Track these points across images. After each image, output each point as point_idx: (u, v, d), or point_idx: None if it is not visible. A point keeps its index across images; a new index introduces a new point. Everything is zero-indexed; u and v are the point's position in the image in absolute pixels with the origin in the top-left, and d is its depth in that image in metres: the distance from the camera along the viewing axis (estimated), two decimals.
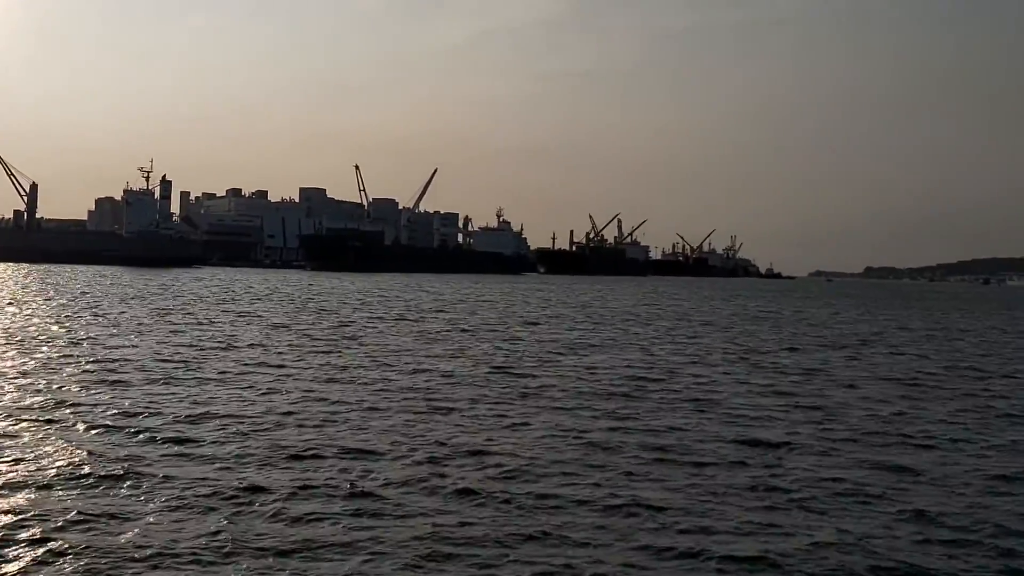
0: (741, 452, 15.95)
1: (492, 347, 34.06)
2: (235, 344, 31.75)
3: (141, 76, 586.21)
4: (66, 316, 42.13)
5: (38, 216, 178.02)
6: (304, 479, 13.21)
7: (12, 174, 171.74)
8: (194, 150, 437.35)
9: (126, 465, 13.48)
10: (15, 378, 21.80)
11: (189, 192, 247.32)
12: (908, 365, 32.84)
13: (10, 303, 50.62)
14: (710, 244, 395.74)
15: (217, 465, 13.86)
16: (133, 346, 29.79)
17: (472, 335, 39.54)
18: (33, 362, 24.86)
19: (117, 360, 25.83)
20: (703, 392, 23.43)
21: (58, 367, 24.04)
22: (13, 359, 25.44)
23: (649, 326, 50.59)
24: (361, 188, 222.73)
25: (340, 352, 30.40)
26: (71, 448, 14.53)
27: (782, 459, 15.51)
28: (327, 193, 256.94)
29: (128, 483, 12.65)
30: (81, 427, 16.26)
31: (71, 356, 26.54)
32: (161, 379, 22.43)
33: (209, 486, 12.60)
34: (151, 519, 11.14)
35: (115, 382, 21.70)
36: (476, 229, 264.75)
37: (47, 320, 39.58)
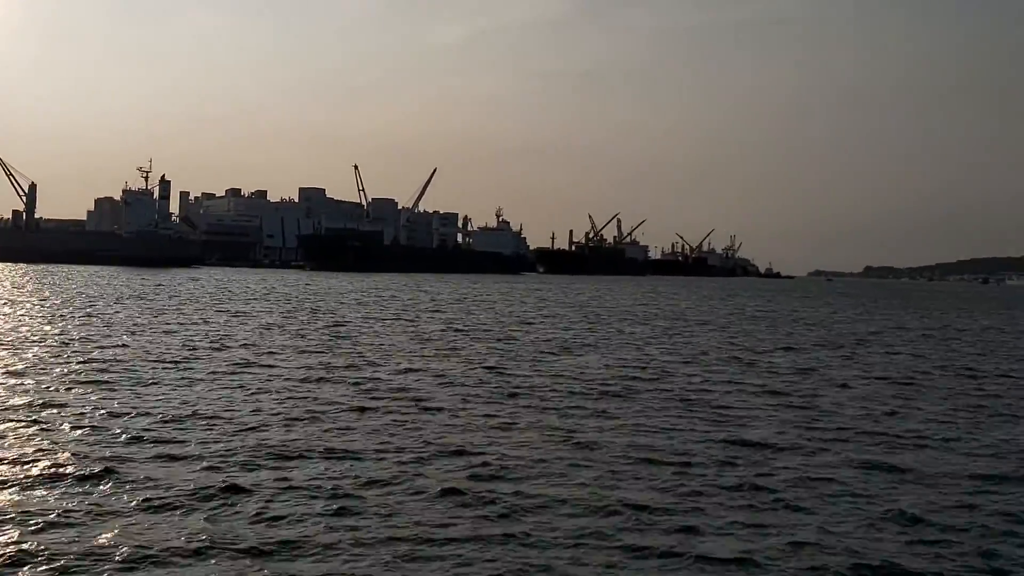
0: (729, 452, 15.88)
1: (486, 347, 33.98)
2: (227, 344, 31.66)
3: (139, 76, 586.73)
4: (59, 316, 42.05)
5: (37, 216, 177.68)
6: (288, 479, 13.14)
7: (11, 174, 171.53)
8: (193, 150, 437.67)
9: (109, 465, 13.40)
10: (3, 378, 21.71)
11: (188, 192, 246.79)
12: (903, 365, 32.77)
13: (4, 303, 50.53)
14: (709, 244, 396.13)
15: (201, 465, 13.78)
16: (124, 346, 29.70)
17: (467, 335, 39.46)
18: (23, 363, 24.77)
19: (107, 360, 25.75)
20: (695, 392, 23.35)
21: (47, 367, 23.95)
22: (3, 359, 25.36)
23: (645, 325, 50.52)
24: (360, 188, 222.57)
25: (332, 352, 30.32)
26: (55, 448, 14.47)
27: (770, 459, 15.44)
28: (326, 193, 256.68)
29: (110, 483, 12.57)
30: (67, 427, 16.18)
31: (61, 356, 26.46)
32: (151, 379, 22.35)
33: (192, 486, 12.53)
34: (131, 519, 11.07)
35: (104, 382, 21.62)
36: (475, 229, 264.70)
37: (39, 320, 39.49)
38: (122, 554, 9.85)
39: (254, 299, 65.51)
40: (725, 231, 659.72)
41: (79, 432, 15.83)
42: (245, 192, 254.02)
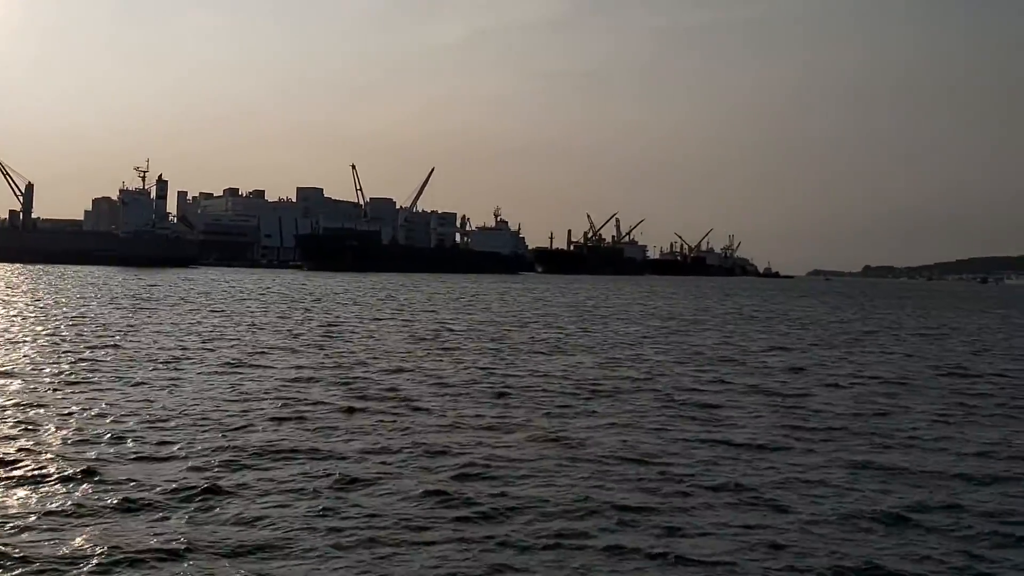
0: (716, 452, 15.81)
1: (479, 347, 33.91)
2: (219, 344, 31.58)
3: (137, 76, 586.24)
4: (51, 316, 41.95)
5: (34, 216, 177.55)
6: (272, 479, 13.07)
7: (8, 174, 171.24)
8: (190, 150, 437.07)
9: (92, 466, 13.31)
10: None
11: (186, 192, 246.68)
12: (897, 364, 32.70)
13: None
14: (708, 243, 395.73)
15: (185, 466, 13.69)
16: (116, 346, 29.62)
17: (461, 335, 39.39)
18: (12, 363, 24.68)
19: (97, 360, 25.67)
20: (688, 392, 23.28)
21: (37, 367, 23.86)
22: None
23: (641, 325, 50.46)
24: (358, 188, 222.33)
25: (325, 352, 30.24)
26: (39, 449, 14.39)
27: (758, 459, 15.36)
28: (324, 193, 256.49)
29: (92, 484, 12.49)
30: (52, 428, 16.10)
31: (52, 356, 26.37)
32: (140, 380, 22.27)
33: (175, 487, 12.45)
34: (110, 520, 10.99)
35: (92, 383, 21.54)
36: (474, 229, 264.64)
37: (32, 320, 39.40)
38: (99, 555, 9.77)
39: (249, 299, 65.41)
40: (724, 231, 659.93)
41: (64, 432, 15.74)
42: (243, 192, 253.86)
